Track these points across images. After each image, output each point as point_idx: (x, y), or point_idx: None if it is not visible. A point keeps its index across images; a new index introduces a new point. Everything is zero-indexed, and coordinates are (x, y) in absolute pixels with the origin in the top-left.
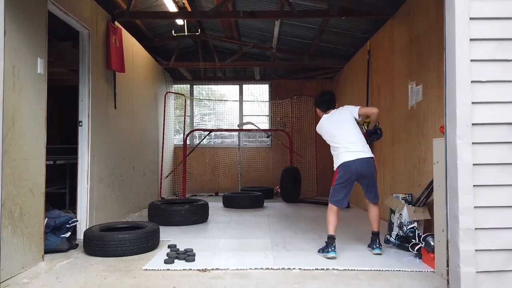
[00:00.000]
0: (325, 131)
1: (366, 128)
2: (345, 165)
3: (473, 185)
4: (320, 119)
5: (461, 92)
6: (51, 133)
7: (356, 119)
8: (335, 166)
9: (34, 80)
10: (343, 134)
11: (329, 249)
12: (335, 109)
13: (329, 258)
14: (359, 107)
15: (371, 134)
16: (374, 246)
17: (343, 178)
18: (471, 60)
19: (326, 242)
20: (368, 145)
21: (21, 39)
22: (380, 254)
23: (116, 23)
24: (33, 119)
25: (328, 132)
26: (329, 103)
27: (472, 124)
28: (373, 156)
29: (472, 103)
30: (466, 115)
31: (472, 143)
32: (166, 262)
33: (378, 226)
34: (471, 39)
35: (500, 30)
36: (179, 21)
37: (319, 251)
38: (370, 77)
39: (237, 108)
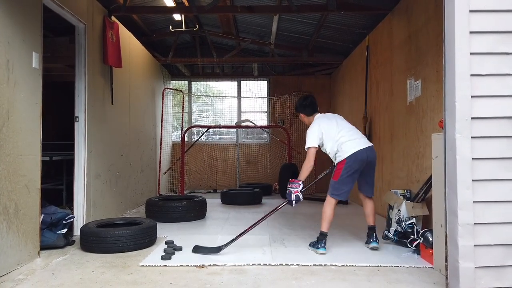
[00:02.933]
0: (332, 124)
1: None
2: (356, 154)
3: (472, 180)
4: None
5: (460, 86)
6: (48, 129)
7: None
8: (342, 157)
9: (29, 74)
10: (348, 125)
11: (319, 245)
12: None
13: (319, 254)
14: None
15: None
16: (371, 240)
17: (352, 168)
18: (471, 53)
19: (317, 238)
20: None
21: (15, 33)
22: (377, 247)
23: (113, 17)
24: (29, 114)
25: (335, 125)
26: (313, 106)
27: (472, 118)
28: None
29: (472, 96)
30: (466, 109)
31: (472, 137)
32: (163, 258)
33: (374, 220)
34: (471, 32)
35: (501, 23)
36: (177, 16)
37: (309, 245)
38: (369, 73)
39: (235, 105)
